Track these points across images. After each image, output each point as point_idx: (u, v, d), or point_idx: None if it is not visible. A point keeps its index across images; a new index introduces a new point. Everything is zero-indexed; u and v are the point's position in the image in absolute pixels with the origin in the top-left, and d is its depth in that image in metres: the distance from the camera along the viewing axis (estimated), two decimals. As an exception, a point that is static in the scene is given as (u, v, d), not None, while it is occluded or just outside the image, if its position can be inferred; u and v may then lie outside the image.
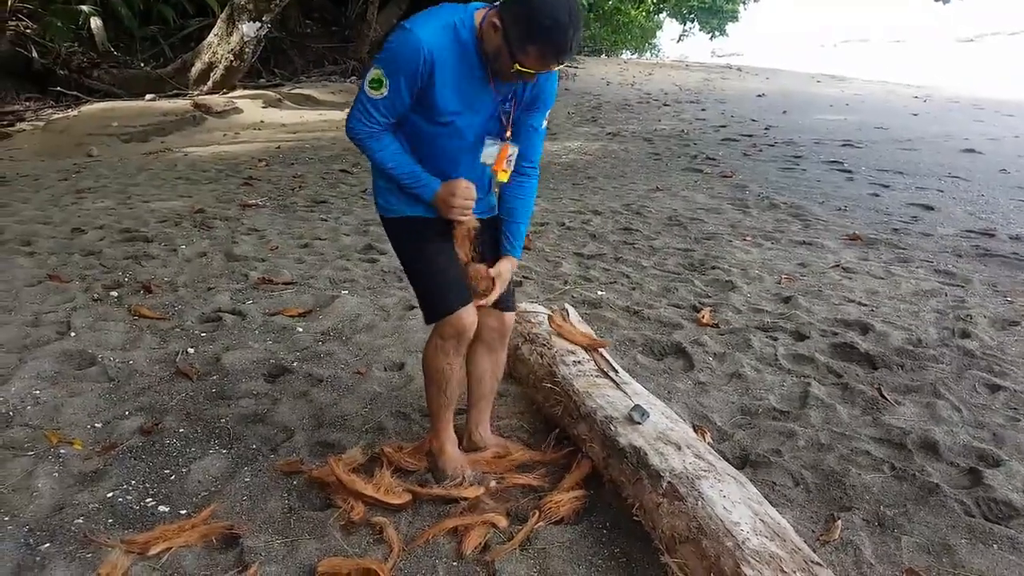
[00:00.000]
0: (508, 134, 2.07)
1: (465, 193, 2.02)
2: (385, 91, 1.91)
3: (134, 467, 2.37)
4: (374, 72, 1.92)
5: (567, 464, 2.36)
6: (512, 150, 2.09)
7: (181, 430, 2.60)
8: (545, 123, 2.19)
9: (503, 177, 2.12)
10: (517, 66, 1.83)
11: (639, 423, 2.18)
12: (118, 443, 2.50)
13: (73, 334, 3.35)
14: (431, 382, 2.25)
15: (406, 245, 2.18)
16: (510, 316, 2.34)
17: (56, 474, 2.32)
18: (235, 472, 2.35)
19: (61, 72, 11.55)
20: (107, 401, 2.80)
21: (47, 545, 2.00)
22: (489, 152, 2.07)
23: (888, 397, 2.89)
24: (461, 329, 2.14)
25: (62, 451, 2.44)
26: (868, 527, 2.13)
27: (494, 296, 2.17)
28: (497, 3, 1.89)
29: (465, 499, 2.17)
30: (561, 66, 1.92)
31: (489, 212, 2.23)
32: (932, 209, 6.08)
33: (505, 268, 2.21)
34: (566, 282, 4.21)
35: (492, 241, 2.24)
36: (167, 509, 2.18)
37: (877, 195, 6.61)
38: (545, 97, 2.11)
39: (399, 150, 2.02)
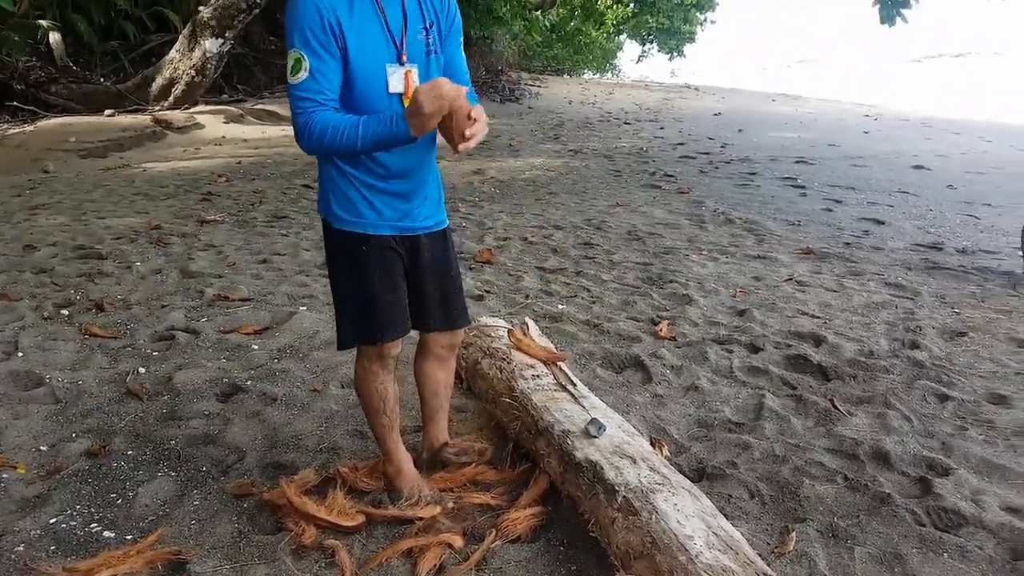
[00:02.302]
0: (404, 58, 1.93)
1: (445, 89, 1.76)
2: (305, 64, 1.80)
3: (79, 491, 2.30)
4: (290, 57, 1.81)
5: (525, 481, 2.35)
6: (414, 73, 1.94)
7: (129, 452, 2.53)
8: (461, 47, 2.09)
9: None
10: None
11: (595, 437, 2.18)
12: (63, 467, 2.42)
13: (20, 354, 3.26)
14: (368, 406, 2.19)
15: (343, 259, 2.07)
16: (462, 330, 2.31)
17: (-3, 500, 2.24)
18: (184, 495, 2.29)
19: (18, 87, 11.31)
20: (53, 423, 2.72)
21: (-16, 574, 1.93)
22: (394, 80, 1.92)
23: (841, 408, 2.94)
24: (386, 355, 2.10)
25: (4, 475, 2.36)
26: (822, 538, 2.15)
27: (480, 136, 1.81)
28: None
29: (421, 519, 2.13)
30: None
31: (436, 225, 2.14)
32: (883, 223, 6.24)
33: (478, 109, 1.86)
34: (527, 296, 4.22)
35: (443, 259, 2.16)
36: (113, 535, 2.11)
37: (830, 210, 6.76)
38: (452, 18, 2.03)
39: (343, 119, 1.83)
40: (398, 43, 1.92)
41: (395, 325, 2.08)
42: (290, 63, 1.82)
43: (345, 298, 2.10)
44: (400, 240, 2.07)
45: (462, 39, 2.11)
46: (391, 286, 2.06)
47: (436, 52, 2.00)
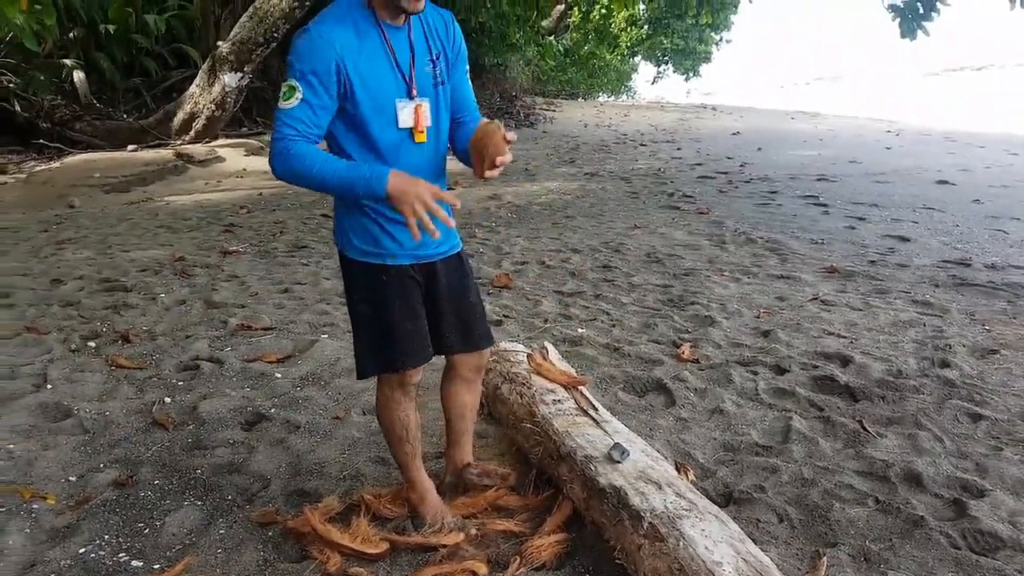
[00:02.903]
0: (414, 92, 1.94)
1: (428, 190, 1.81)
2: (299, 94, 1.80)
3: (107, 521, 2.32)
4: (284, 86, 1.82)
5: (549, 507, 2.33)
6: (424, 107, 1.96)
7: (156, 482, 2.55)
8: (467, 72, 2.11)
9: (421, 138, 1.97)
10: None
11: (619, 462, 2.16)
12: (92, 496, 2.44)
13: (49, 386, 3.30)
14: (390, 434, 2.19)
15: (362, 290, 2.07)
16: (487, 351, 2.31)
17: (28, 530, 2.26)
18: (210, 524, 2.30)
19: (44, 125, 11.61)
20: (82, 454, 2.75)
21: (14, 606, 1.94)
22: (404, 115, 1.93)
23: (870, 429, 2.89)
24: (407, 382, 2.10)
25: (35, 506, 2.38)
26: (854, 563, 2.11)
27: (507, 158, 1.84)
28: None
29: (444, 546, 2.12)
30: None
31: (451, 250, 2.15)
32: (908, 240, 6.17)
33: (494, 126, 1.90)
34: (546, 320, 4.21)
35: (460, 285, 2.17)
36: (140, 564, 2.12)
37: (853, 228, 6.70)
38: (456, 48, 2.04)
39: (326, 155, 1.84)
40: (407, 77, 1.94)
41: (416, 353, 2.08)
42: (284, 89, 1.82)
43: (365, 327, 2.10)
44: (417, 268, 2.08)
45: (468, 66, 2.13)
46: (411, 314, 2.07)
47: (444, 83, 2.02)
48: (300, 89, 1.80)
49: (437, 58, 1.99)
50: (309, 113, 1.82)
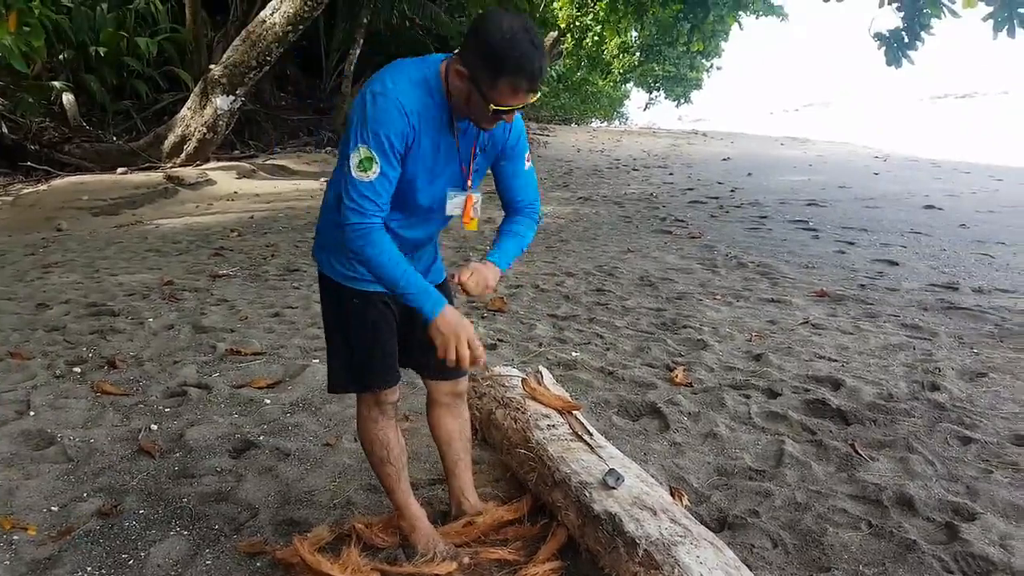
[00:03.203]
0: (469, 183, 2.00)
1: (472, 343, 1.88)
2: (377, 169, 1.78)
3: (90, 552, 2.27)
4: (361, 151, 1.77)
5: (543, 535, 2.30)
6: (476, 199, 2.02)
7: (141, 511, 2.50)
8: (528, 163, 2.11)
9: (472, 226, 2.04)
10: (492, 107, 1.76)
11: (614, 488, 2.14)
12: (75, 527, 2.39)
13: (32, 413, 3.25)
14: (372, 455, 2.19)
15: (337, 308, 2.09)
16: (463, 379, 2.31)
17: (7, 562, 2.21)
18: (196, 554, 2.26)
19: (32, 147, 11.58)
20: (65, 483, 2.69)
21: (-7, 640, 1.89)
22: (454, 203, 2.00)
23: (862, 453, 2.88)
24: (384, 401, 2.12)
25: (15, 537, 2.33)
26: (849, 589, 2.09)
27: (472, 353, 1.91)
28: (455, 52, 1.84)
29: None
30: (536, 96, 1.83)
31: (432, 283, 2.10)
32: (897, 264, 6.21)
33: (484, 269, 1.98)
34: (540, 344, 4.20)
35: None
36: (124, 596, 2.08)
37: (843, 252, 6.74)
38: (514, 142, 2.04)
39: (392, 251, 1.85)
40: (466, 167, 1.97)
41: (386, 375, 2.11)
42: (359, 157, 1.78)
43: (338, 345, 2.13)
44: (391, 297, 2.04)
45: (527, 153, 2.12)
46: (384, 339, 2.09)
47: (479, 171, 2.04)
48: (378, 161, 1.79)
49: (483, 151, 2.01)
50: (387, 186, 1.83)
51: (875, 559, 2.22)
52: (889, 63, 8.87)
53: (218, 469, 2.79)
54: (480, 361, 1.93)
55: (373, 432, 2.15)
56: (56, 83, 12.17)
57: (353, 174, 1.80)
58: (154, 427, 3.15)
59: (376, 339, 2.08)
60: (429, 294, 1.87)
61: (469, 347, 1.88)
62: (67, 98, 12.19)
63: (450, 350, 1.87)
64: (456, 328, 1.87)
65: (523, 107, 1.84)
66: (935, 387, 3.49)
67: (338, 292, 2.07)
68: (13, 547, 2.28)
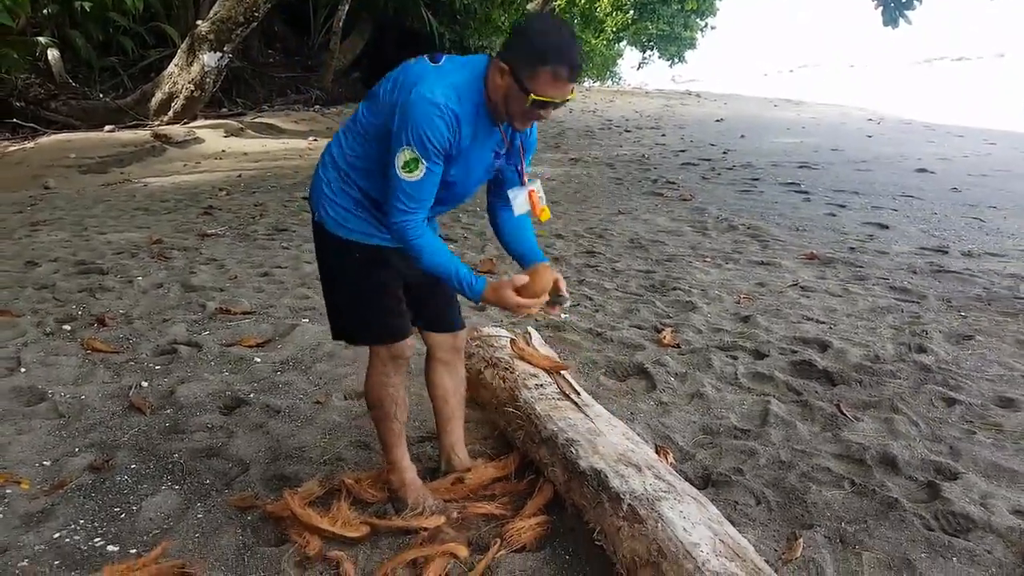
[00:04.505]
0: (526, 179, 2.14)
1: (524, 301, 2.00)
2: (423, 169, 1.87)
3: (83, 506, 2.29)
4: (406, 153, 1.86)
5: (530, 491, 2.33)
6: (537, 187, 2.16)
7: (133, 466, 2.52)
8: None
9: (546, 215, 2.18)
10: (533, 97, 1.83)
11: (561, 305, 2.15)
12: (67, 481, 2.41)
13: (23, 370, 3.25)
14: (379, 410, 2.21)
15: (353, 266, 2.10)
16: (462, 333, 2.34)
17: (1, 515, 2.23)
18: (187, 509, 2.28)
19: (17, 104, 11.39)
20: (56, 438, 2.71)
21: (-13, 591, 1.92)
22: (519, 203, 2.14)
23: (847, 413, 2.92)
24: (401, 353, 2.14)
25: (8, 491, 2.35)
26: (830, 544, 2.13)
27: (567, 301, 2.14)
28: (494, 53, 1.93)
29: (425, 529, 2.12)
30: (573, 90, 1.91)
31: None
32: (887, 228, 6.22)
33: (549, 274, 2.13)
34: (529, 306, 4.20)
35: (444, 295, 2.26)
36: (116, 549, 2.10)
37: (833, 215, 6.75)
38: (529, 144, 2.18)
39: (437, 244, 1.99)
40: (519, 166, 2.10)
41: (402, 326, 2.15)
42: (404, 159, 1.87)
43: (360, 301, 2.13)
44: (394, 250, 2.09)
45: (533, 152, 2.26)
46: (392, 290, 2.13)
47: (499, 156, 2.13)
48: (423, 162, 1.87)
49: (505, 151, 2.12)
50: (431, 185, 1.92)
51: (857, 516, 2.26)
52: (886, 23, 8.81)
53: (209, 425, 2.81)
54: (560, 303, 2.11)
55: (386, 389, 2.18)
56: (41, 38, 11.91)
57: (399, 174, 1.88)
58: (145, 384, 3.16)
59: (385, 290, 2.11)
60: (472, 284, 1.98)
61: (528, 302, 2.00)
62: (52, 54, 11.95)
63: (519, 313, 2.04)
64: (506, 300, 1.99)
65: (562, 102, 1.90)
66: (921, 349, 3.53)
67: (358, 251, 2.09)
68: (6, 501, 2.30)
